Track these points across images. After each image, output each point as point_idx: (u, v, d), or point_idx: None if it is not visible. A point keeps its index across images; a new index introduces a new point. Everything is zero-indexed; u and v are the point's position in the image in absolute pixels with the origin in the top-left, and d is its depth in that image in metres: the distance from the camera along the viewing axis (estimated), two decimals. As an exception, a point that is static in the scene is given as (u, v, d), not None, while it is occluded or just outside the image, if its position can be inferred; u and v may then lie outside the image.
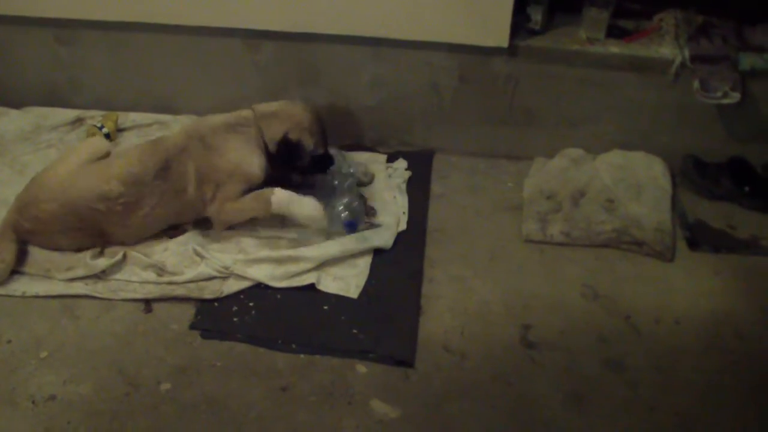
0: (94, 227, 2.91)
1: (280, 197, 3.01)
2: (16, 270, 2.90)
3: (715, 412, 2.53)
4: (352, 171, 3.30)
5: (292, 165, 3.13)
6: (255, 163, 3.05)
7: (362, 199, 3.21)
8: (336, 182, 3.24)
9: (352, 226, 3.08)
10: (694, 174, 3.41)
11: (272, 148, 3.08)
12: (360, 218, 3.11)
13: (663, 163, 3.44)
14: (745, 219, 3.29)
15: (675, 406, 2.55)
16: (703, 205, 3.35)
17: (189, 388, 2.55)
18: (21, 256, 2.93)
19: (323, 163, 3.22)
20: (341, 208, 3.10)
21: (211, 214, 3.03)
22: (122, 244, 2.99)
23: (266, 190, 3.03)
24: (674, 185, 3.40)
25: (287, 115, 3.12)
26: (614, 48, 3.36)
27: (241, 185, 3.02)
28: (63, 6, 3.42)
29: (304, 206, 3.02)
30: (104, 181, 2.90)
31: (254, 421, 2.46)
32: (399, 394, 2.55)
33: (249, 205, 3.02)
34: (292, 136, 3.07)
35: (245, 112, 3.12)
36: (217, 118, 3.11)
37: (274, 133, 3.08)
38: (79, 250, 2.96)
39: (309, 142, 3.11)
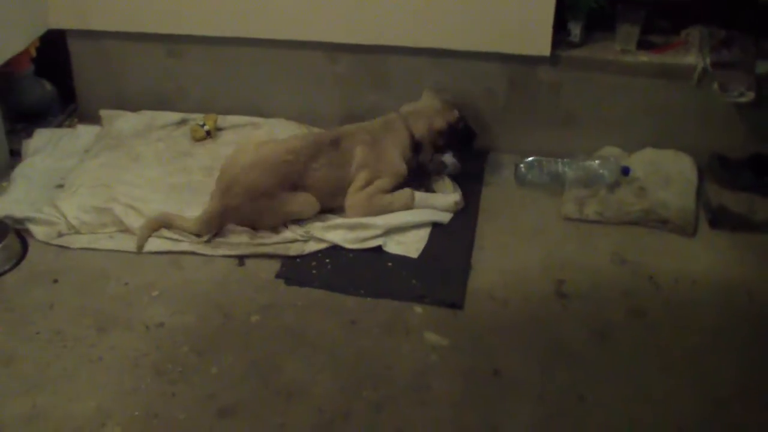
0: (287, 179, 3.41)
1: (420, 195, 3.61)
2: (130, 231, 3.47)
3: (722, 354, 2.92)
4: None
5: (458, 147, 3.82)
6: (404, 163, 3.65)
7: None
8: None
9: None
10: (718, 168, 3.84)
11: (431, 138, 3.74)
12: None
13: (691, 159, 3.88)
14: (763, 206, 3.68)
15: (687, 346, 2.95)
16: (725, 195, 3.75)
17: (274, 320, 3.06)
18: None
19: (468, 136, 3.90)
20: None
21: (354, 201, 3.55)
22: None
23: (407, 189, 3.60)
24: (700, 179, 3.82)
25: (431, 111, 3.79)
26: (644, 57, 3.84)
27: (394, 181, 3.60)
28: (173, 23, 4.02)
29: (440, 200, 3.63)
30: (288, 142, 3.54)
31: (327, 345, 2.94)
32: (449, 328, 3.02)
33: (396, 199, 3.58)
34: (452, 122, 3.79)
35: (392, 115, 3.77)
36: (375, 121, 3.75)
37: (420, 129, 3.73)
38: (274, 224, 3.48)
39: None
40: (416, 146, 3.72)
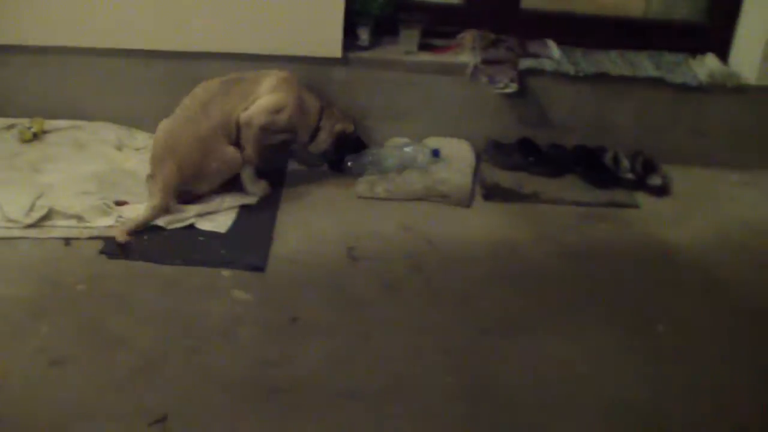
0: (199, 124, 3.92)
1: (251, 173, 4.06)
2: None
3: (487, 295, 3.50)
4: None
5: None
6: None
7: None
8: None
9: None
10: (493, 151, 4.45)
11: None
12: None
13: (469, 144, 4.47)
14: (530, 181, 4.32)
15: (457, 290, 3.51)
16: (499, 174, 4.36)
17: (99, 288, 3.40)
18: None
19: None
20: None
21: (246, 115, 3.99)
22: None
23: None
24: (478, 160, 4.43)
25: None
26: (425, 57, 4.43)
27: (275, 97, 4.04)
28: (-4, 33, 4.33)
29: (258, 186, 4.09)
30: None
31: (147, 305, 3.32)
32: (253, 286, 3.45)
33: (258, 143, 4.01)
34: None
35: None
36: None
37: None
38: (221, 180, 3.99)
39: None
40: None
